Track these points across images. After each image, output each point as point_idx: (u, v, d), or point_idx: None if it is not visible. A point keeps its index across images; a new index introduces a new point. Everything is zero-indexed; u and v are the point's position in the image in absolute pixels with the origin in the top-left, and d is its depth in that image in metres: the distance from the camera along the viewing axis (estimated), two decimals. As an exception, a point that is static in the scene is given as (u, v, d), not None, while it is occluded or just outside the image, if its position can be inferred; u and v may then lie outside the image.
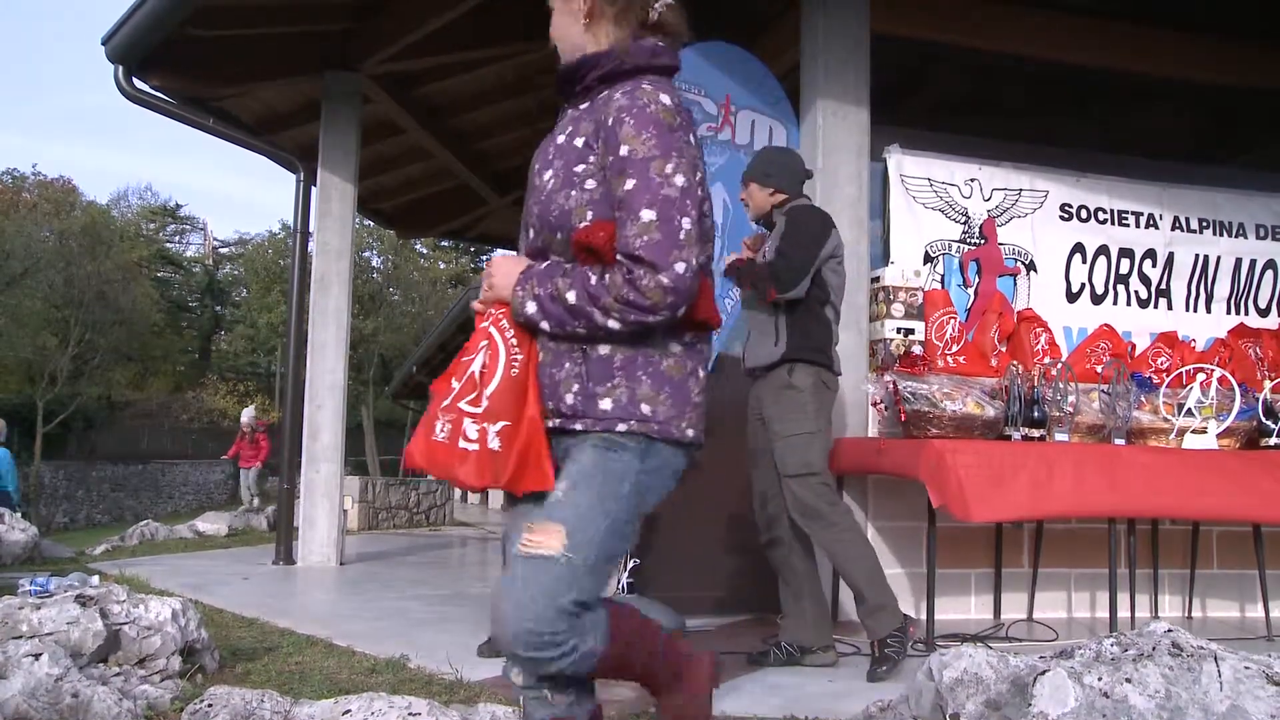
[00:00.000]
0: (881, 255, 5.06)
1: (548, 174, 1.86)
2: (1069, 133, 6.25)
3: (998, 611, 4.93)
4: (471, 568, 7.53)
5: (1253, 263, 5.61)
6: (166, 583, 5.30)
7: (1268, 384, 4.83)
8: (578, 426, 1.80)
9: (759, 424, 3.72)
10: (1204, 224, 5.58)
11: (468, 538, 10.18)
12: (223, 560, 7.17)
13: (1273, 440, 4.61)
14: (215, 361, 42.45)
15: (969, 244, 5.17)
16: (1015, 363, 4.68)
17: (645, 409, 1.79)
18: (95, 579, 3.39)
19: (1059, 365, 4.64)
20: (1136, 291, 5.45)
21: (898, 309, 4.81)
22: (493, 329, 1.82)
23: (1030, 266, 5.27)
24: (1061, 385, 4.54)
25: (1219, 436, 4.64)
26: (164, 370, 38.35)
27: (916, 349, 4.78)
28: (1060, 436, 4.44)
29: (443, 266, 38.06)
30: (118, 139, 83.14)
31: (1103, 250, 5.40)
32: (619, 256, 1.73)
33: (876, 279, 4.90)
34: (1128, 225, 5.46)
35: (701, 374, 1.88)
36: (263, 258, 39.13)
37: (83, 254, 30.47)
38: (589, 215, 1.78)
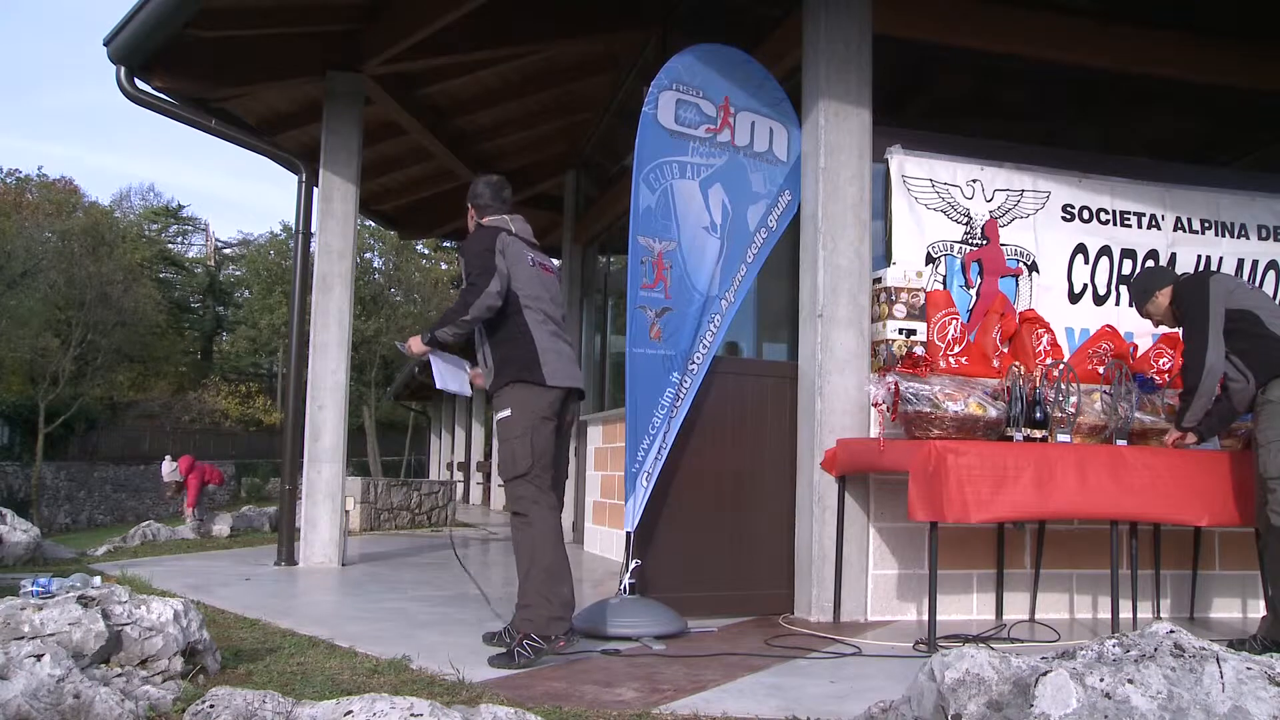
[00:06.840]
0: (884, 256, 5.06)
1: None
2: (1071, 134, 6.25)
3: (999, 612, 4.93)
4: (473, 569, 7.52)
5: (1254, 263, 5.61)
6: (168, 584, 5.30)
7: (1270, 385, 4.82)
8: None
9: None
10: (1206, 225, 5.58)
11: (469, 538, 10.18)
12: (224, 561, 7.17)
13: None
14: (217, 362, 42.51)
15: (971, 245, 5.17)
16: (1017, 364, 4.68)
17: None
18: (97, 580, 3.38)
19: (1061, 366, 4.64)
20: (1139, 292, 5.44)
21: (899, 310, 4.81)
22: None
23: (1032, 267, 5.26)
24: (1063, 386, 4.54)
25: (1221, 438, 4.65)
26: (166, 371, 38.39)
27: (918, 350, 4.78)
28: (1062, 437, 4.44)
29: (444, 267, 38.07)
30: (120, 140, 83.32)
31: (1105, 251, 5.40)
32: None
33: (878, 280, 4.90)
34: (1130, 226, 5.46)
35: None
36: (264, 259, 39.17)
37: (85, 255, 30.53)
38: None
